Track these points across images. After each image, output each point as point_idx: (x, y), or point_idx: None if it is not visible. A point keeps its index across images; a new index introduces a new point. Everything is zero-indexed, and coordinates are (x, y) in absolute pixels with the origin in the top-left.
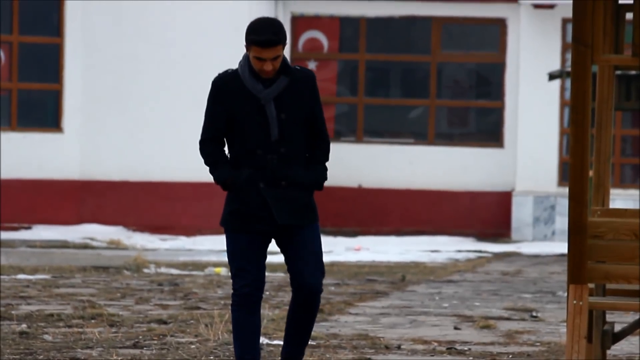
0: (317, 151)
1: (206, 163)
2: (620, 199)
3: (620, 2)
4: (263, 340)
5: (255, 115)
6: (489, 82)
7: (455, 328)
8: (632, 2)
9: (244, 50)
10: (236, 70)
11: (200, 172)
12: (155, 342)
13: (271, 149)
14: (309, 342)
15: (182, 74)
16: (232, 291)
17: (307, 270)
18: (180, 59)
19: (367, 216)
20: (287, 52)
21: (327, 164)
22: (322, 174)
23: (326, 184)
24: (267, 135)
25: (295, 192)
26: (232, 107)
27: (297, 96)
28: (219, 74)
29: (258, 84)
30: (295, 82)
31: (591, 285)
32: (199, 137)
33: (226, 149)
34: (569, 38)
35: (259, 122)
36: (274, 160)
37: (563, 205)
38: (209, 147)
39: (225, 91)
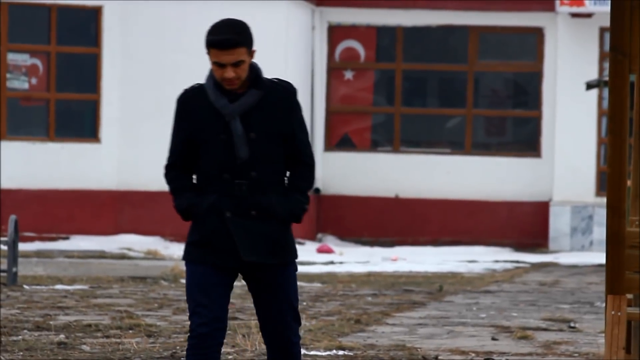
0: (296, 177)
1: (170, 191)
2: None
3: None
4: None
5: (220, 134)
6: (526, 92)
7: (493, 339)
8: None
9: (280, 61)
10: (203, 84)
11: None
12: None
13: (240, 173)
14: (347, 353)
15: None
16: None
17: (281, 322)
18: None
19: (404, 226)
20: (323, 61)
21: (309, 191)
22: (300, 203)
23: (363, 193)
24: (233, 156)
25: (267, 224)
26: (197, 126)
27: (272, 113)
28: (185, 89)
29: (222, 98)
30: (270, 97)
31: (629, 296)
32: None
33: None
34: (607, 47)
35: (225, 142)
36: (242, 186)
37: (601, 215)
38: (172, 173)
39: (190, 108)
